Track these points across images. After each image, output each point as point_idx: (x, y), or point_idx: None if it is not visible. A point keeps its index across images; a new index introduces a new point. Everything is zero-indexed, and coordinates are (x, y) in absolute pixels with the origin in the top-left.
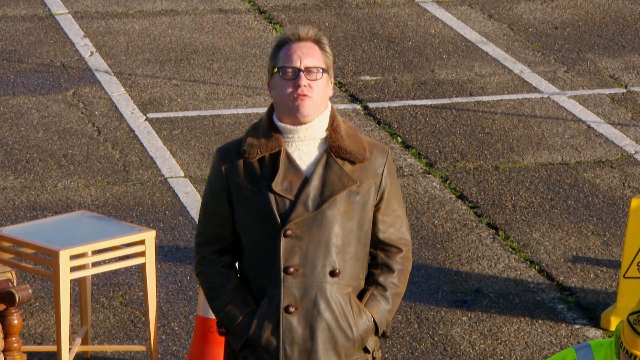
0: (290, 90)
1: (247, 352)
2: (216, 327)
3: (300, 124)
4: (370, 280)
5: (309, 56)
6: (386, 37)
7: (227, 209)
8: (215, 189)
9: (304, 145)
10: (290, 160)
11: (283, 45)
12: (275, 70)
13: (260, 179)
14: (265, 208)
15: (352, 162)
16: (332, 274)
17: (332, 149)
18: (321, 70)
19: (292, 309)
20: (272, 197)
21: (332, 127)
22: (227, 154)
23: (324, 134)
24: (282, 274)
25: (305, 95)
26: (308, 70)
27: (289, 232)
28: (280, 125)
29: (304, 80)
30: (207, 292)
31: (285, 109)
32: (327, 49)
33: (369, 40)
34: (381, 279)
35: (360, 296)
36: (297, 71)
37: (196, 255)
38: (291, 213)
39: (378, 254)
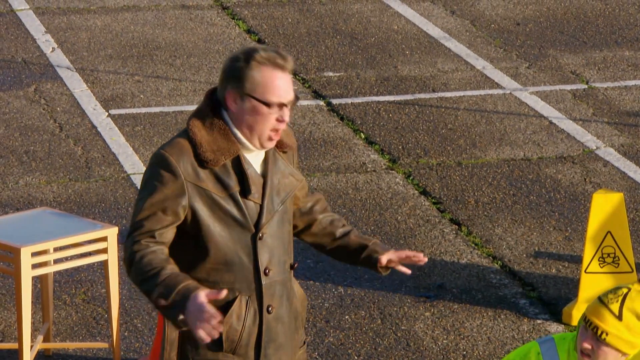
0: (271, 122)
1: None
2: (155, 304)
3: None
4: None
5: (290, 90)
6: (349, 33)
7: (181, 215)
8: (169, 194)
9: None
10: (248, 163)
11: (261, 65)
12: (262, 101)
13: (226, 184)
14: (237, 214)
15: (285, 152)
16: (291, 267)
17: (276, 145)
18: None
19: (271, 309)
20: (243, 202)
21: None
22: (182, 158)
23: None
24: (263, 276)
25: (280, 129)
26: (288, 104)
27: (261, 235)
28: (241, 138)
29: (287, 116)
30: (144, 272)
31: (253, 133)
32: None
33: (332, 36)
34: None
35: None
36: (282, 106)
37: (133, 244)
38: (261, 217)
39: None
